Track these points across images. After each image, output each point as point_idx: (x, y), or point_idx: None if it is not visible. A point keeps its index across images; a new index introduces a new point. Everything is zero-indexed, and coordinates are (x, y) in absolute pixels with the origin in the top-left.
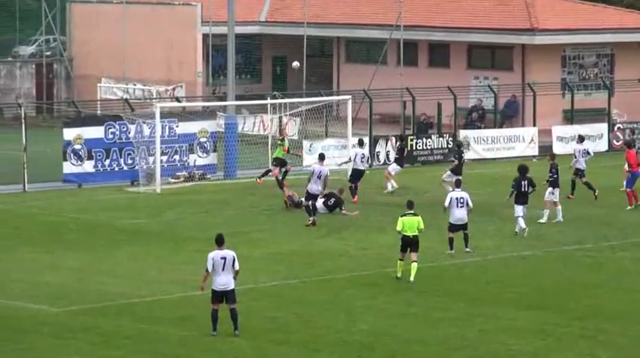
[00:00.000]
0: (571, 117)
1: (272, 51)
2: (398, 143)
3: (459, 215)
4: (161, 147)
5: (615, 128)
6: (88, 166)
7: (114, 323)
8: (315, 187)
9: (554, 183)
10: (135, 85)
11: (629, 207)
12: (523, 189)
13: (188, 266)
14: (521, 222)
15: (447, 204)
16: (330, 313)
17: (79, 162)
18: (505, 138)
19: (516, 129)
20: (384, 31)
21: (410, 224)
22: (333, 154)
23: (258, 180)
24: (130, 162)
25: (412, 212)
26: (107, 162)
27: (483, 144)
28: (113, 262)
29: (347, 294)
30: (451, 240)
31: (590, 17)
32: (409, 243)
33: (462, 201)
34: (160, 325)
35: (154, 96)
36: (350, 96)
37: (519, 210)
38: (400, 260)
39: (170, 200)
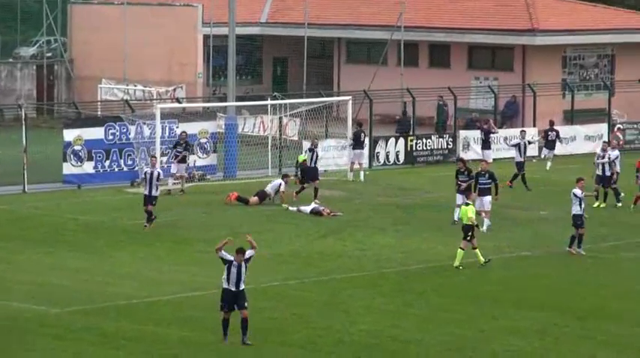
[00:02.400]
0: (571, 117)
1: (272, 52)
2: (355, 129)
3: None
4: (161, 148)
5: (615, 128)
6: (88, 167)
7: (114, 324)
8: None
9: (486, 191)
10: (135, 85)
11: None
12: (482, 182)
13: (188, 266)
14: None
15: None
16: (329, 313)
17: (79, 163)
18: (505, 138)
19: (516, 130)
20: (385, 32)
21: (464, 212)
22: (333, 155)
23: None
24: (130, 163)
25: (468, 201)
26: (107, 163)
27: (481, 144)
28: (113, 263)
29: (346, 295)
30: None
31: (591, 18)
32: (464, 231)
33: None
34: (159, 326)
35: (155, 97)
36: (350, 97)
37: (460, 198)
38: (461, 248)
39: (170, 201)
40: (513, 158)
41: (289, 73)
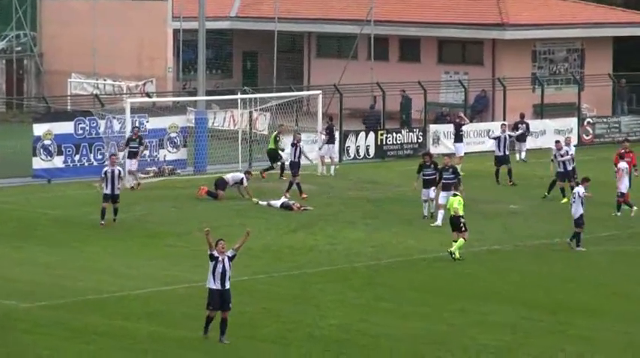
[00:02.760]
0: (541, 111)
1: (243, 46)
2: (326, 123)
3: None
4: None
5: (585, 123)
6: (58, 162)
7: (84, 319)
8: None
9: (447, 186)
10: (105, 80)
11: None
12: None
13: (158, 261)
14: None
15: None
16: (300, 308)
17: (49, 157)
18: (475, 133)
19: (486, 124)
20: (355, 26)
21: (452, 203)
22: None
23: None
24: (99, 157)
25: (455, 193)
26: (77, 157)
27: (453, 138)
28: (83, 257)
29: (316, 289)
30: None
31: (561, 12)
32: (451, 222)
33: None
34: (129, 320)
35: (124, 92)
36: (320, 91)
37: (426, 193)
38: (454, 240)
39: (140, 195)
40: (486, 152)
41: (259, 67)
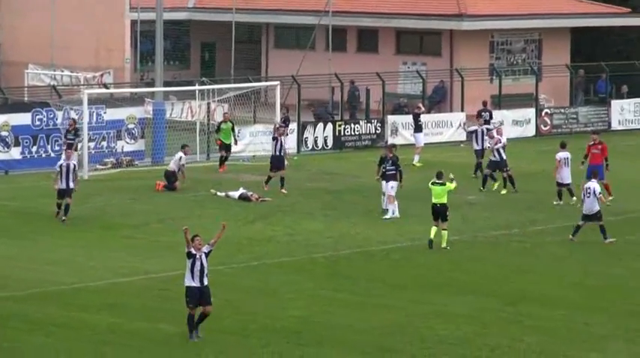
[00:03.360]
0: (499, 102)
1: (200, 37)
2: (282, 114)
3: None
4: (88, 134)
5: (543, 113)
6: (15, 153)
7: (43, 311)
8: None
9: (390, 177)
10: (62, 71)
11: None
12: (386, 168)
13: (116, 252)
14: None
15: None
16: (259, 299)
17: (6, 148)
18: (433, 123)
19: (444, 115)
20: (313, 17)
21: (436, 192)
22: (262, 140)
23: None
24: (57, 148)
25: (440, 181)
26: (34, 148)
27: (412, 129)
28: (41, 249)
29: (276, 280)
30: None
31: (518, 3)
32: (437, 211)
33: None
34: (88, 312)
35: (82, 83)
36: (278, 82)
37: (385, 186)
38: (435, 225)
39: (98, 186)
40: (444, 143)
41: (217, 58)
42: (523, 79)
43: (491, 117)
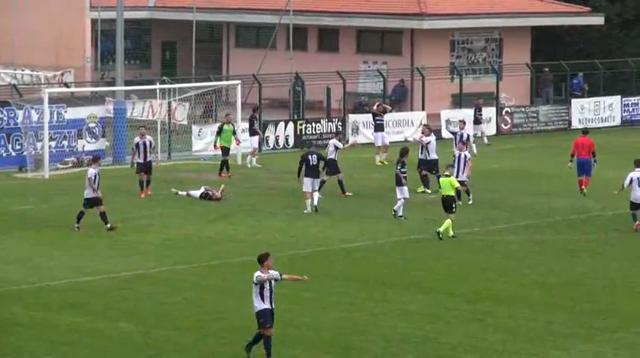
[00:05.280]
0: (460, 101)
1: (161, 36)
2: (250, 114)
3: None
4: (49, 133)
5: (503, 112)
6: None
7: (4, 310)
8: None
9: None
10: (23, 70)
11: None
12: (312, 164)
13: (78, 251)
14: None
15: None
16: (221, 298)
17: None
18: (394, 122)
19: (405, 114)
20: (274, 16)
21: (444, 185)
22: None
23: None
24: (18, 148)
25: (447, 174)
26: None
27: (372, 128)
28: (2, 248)
29: (237, 279)
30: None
31: (479, 2)
32: (444, 203)
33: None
34: (49, 311)
35: (42, 82)
36: (239, 81)
37: (308, 184)
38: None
39: (59, 186)
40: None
41: (178, 57)
42: (484, 77)
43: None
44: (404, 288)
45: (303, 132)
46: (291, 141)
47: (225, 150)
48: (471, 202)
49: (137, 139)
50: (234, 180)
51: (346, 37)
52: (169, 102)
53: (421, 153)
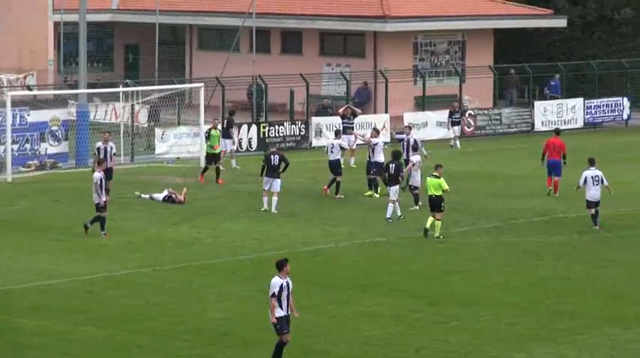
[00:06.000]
0: (423, 103)
1: (124, 39)
2: (226, 117)
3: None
4: (12, 136)
5: (467, 114)
6: None
7: None
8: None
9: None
10: None
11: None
12: (272, 164)
13: (41, 255)
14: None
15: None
16: (184, 301)
17: None
18: (357, 124)
19: (368, 116)
20: (237, 19)
21: (432, 184)
22: (186, 142)
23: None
24: None
25: (436, 174)
26: None
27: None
28: None
29: (201, 282)
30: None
31: (442, 4)
32: (432, 203)
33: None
34: (13, 314)
35: (5, 85)
36: (202, 84)
37: (267, 183)
38: (432, 216)
39: (22, 189)
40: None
41: (141, 59)
42: (447, 80)
43: (462, 114)
44: (367, 291)
45: (267, 135)
46: (255, 144)
47: (215, 156)
48: (415, 208)
49: (99, 144)
50: (196, 184)
51: (309, 40)
52: (132, 105)
53: (370, 155)
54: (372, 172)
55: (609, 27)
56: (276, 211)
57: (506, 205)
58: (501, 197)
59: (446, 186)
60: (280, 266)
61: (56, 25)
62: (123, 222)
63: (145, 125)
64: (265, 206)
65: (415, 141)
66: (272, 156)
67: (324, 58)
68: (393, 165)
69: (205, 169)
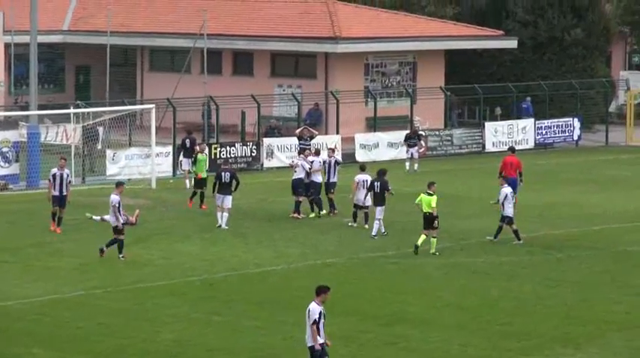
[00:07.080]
0: (374, 124)
1: (75, 60)
2: (186, 136)
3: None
4: None
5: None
6: None
7: None
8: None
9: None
10: None
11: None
12: (224, 181)
13: None
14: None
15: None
16: (136, 322)
17: None
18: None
19: (319, 137)
20: (188, 40)
21: (426, 202)
22: (137, 163)
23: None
24: None
25: (430, 192)
26: None
27: (287, 151)
28: None
29: (152, 303)
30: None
31: (393, 25)
32: (427, 220)
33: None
34: None
35: None
36: (154, 105)
37: (219, 199)
38: (424, 233)
39: None
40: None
41: (92, 81)
42: (398, 101)
43: (419, 138)
44: None
45: (218, 156)
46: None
47: (202, 181)
48: (351, 224)
49: (54, 170)
50: (148, 205)
51: (260, 61)
52: (83, 127)
53: (328, 176)
54: (309, 193)
55: (560, 48)
56: (227, 227)
57: (457, 225)
58: (452, 217)
59: (433, 205)
60: (319, 291)
61: (7, 46)
62: (75, 243)
63: (98, 146)
64: (219, 221)
65: (336, 161)
66: (223, 174)
67: (275, 79)
68: (378, 183)
69: (194, 194)
